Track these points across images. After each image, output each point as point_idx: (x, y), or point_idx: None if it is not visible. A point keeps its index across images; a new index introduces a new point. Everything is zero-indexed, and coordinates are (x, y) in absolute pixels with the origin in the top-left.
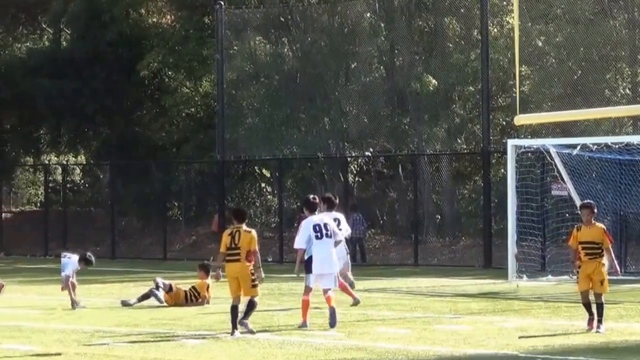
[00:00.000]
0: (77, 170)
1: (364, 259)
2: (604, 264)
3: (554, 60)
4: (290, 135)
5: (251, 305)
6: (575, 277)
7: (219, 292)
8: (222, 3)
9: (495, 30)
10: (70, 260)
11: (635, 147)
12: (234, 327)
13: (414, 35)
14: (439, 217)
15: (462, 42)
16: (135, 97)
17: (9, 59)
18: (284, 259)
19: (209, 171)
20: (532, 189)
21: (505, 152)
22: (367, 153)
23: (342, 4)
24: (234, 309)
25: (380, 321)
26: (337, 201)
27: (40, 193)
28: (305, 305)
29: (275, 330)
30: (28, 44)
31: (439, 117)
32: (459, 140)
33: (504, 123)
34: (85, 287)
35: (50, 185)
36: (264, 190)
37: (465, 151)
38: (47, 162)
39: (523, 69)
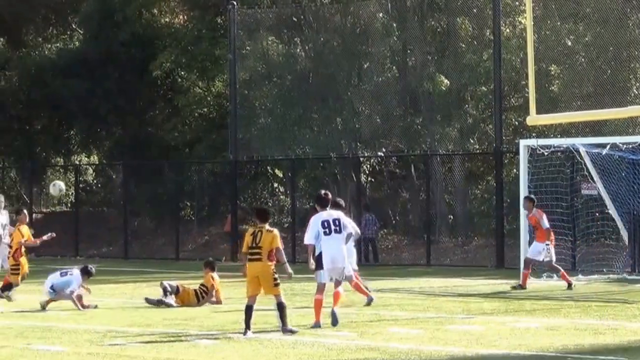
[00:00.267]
0: (90, 171)
1: (376, 259)
2: None
3: (583, 60)
4: (303, 135)
5: (282, 309)
6: None
7: (232, 292)
8: (235, 3)
9: (508, 30)
10: (74, 276)
11: None
12: (247, 327)
13: (426, 36)
14: (452, 217)
15: (475, 42)
16: (148, 97)
17: (39, 60)
18: (297, 259)
19: (221, 171)
20: (562, 188)
21: (517, 152)
22: (379, 153)
23: (355, 4)
24: (249, 309)
25: (392, 321)
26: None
27: (70, 193)
28: (318, 305)
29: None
30: (58, 44)
31: (451, 117)
32: (472, 141)
33: (517, 123)
34: (98, 287)
35: (81, 185)
36: (277, 190)
37: (478, 151)
38: (77, 162)
39: (552, 68)
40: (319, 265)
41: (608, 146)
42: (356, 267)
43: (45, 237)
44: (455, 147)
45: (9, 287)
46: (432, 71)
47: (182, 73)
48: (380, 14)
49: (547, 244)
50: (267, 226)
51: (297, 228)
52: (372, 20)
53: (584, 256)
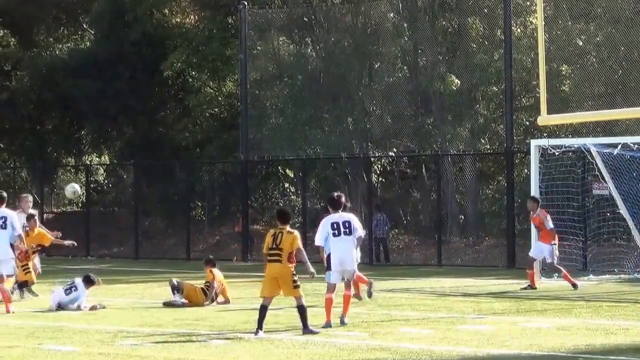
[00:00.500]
0: (101, 171)
1: (387, 259)
2: None
3: (594, 60)
4: (314, 136)
5: (302, 312)
6: None
7: (242, 292)
8: (246, 3)
9: (519, 30)
10: (79, 291)
11: None
12: (259, 327)
13: (437, 36)
14: (463, 217)
15: (486, 42)
16: (158, 97)
17: (50, 60)
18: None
19: (232, 171)
20: (573, 188)
21: (528, 153)
22: (390, 153)
23: (366, 4)
24: (264, 309)
25: (403, 321)
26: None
27: (82, 194)
28: (329, 304)
29: (299, 328)
30: (69, 44)
31: (462, 117)
32: (483, 141)
33: (528, 123)
34: (109, 287)
35: (92, 185)
36: (288, 190)
37: (489, 151)
38: (88, 162)
39: (564, 68)
40: (329, 266)
41: (619, 146)
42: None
43: (66, 243)
44: (466, 147)
45: (24, 284)
46: (443, 71)
47: (193, 73)
48: (391, 14)
49: (553, 244)
50: (288, 227)
51: (307, 228)
52: (383, 20)
53: (595, 256)
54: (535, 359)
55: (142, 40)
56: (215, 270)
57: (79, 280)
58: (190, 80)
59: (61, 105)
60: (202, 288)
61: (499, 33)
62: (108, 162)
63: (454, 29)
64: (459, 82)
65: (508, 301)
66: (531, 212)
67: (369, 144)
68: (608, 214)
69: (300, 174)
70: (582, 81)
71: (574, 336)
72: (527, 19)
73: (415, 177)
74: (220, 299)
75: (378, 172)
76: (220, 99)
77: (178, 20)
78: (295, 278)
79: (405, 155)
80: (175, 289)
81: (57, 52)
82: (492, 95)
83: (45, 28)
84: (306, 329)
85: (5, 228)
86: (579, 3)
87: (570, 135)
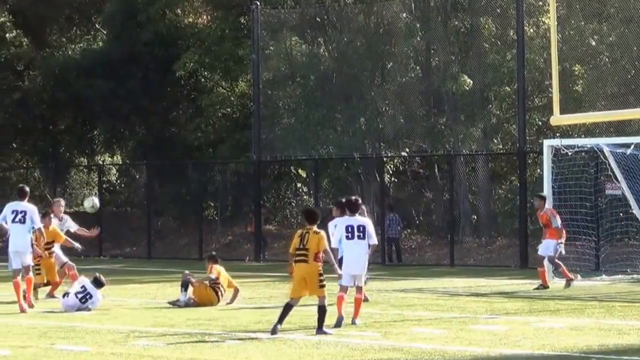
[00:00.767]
0: (114, 171)
1: (399, 259)
2: None
3: (607, 60)
4: (326, 136)
5: (322, 312)
6: None
7: (255, 293)
8: (258, 3)
9: (531, 30)
10: (95, 298)
11: None
12: (279, 322)
13: (449, 36)
14: (475, 217)
15: (498, 42)
16: (171, 97)
17: (62, 60)
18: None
19: (245, 171)
20: (586, 188)
21: (541, 153)
22: (403, 153)
23: (378, 4)
24: (289, 307)
25: (416, 321)
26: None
27: (94, 194)
28: (340, 301)
29: (312, 328)
30: (82, 44)
31: (475, 117)
32: (495, 141)
33: (540, 123)
34: (121, 287)
35: (104, 186)
36: (300, 190)
37: (502, 151)
38: (101, 162)
39: (576, 68)
40: (341, 268)
41: (632, 146)
42: None
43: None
44: (479, 147)
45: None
46: (455, 71)
47: (206, 73)
48: (404, 14)
49: (560, 242)
50: (315, 228)
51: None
52: (395, 20)
53: (608, 256)
54: (547, 359)
55: (154, 40)
56: (217, 266)
57: (90, 285)
58: (203, 80)
59: (74, 105)
60: (211, 287)
61: (511, 33)
62: (120, 162)
63: (466, 29)
64: (471, 82)
65: (521, 301)
66: (538, 210)
67: (382, 144)
68: (621, 214)
69: (313, 174)
70: (594, 81)
71: (586, 336)
72: (540, 19)
73: (427, 177)
74: (228, 293)
75: (390, 172)
76: (232, 99)
77: (190, 20)
78: (322, 278)
79: (418, 155)
80: (184, 286)
81: (70, 52)
82: (504, 95)
83: (58, 28)
84: (320, 330)
85: (24, 222)
86: (591, 3)
87: (583, 135)
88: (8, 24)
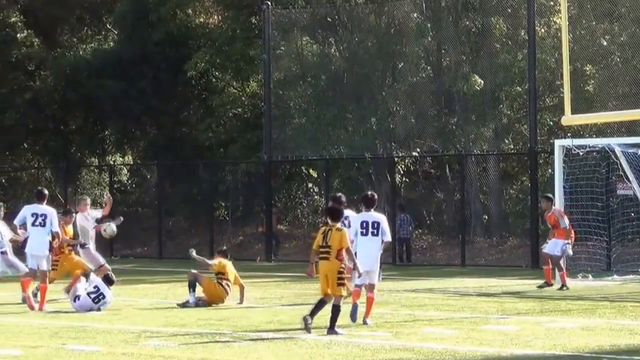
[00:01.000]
0: (124, 171)
1: (409, 259)
2: None
3: (618, 59)
4: (337, 136)
5: (335, 312)
6: None
7: (266, 293)
8: (269, 3)
9: (543, 30)
10: (107, 297)
11: None
12: (311, 315)
13: (460, 36)
14: (486, 217)
15: (509, 42)
16: (182, 97)
17: (73, 60)
18: None
19: (255, 171)
20: (597, 188)
21: (552, 153)
22: (414, 153)
23: (389, 4)
24: (322, 302)
25: (427, 321)
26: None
27: (105, 193)
28: (356, 294)
29: (322, 328)
30: (93, 45)
31: (486, 117)
32: (506, 141)
33: (551, 123)
34: (132, 287)
35: (115, 186)
36: (311, 190)
37: (513, 151)
38: (112, 162)
39: (588, 68)
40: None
41: None
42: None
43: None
44: (490, 147)
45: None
46: (466, 71)
47: (217, 73)
48: (415, 14)
49: (567, 243)
50: (338, 225)
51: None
52: (406, 20)
53: (619, 256)
54: (559, 359)
55: (165, 41)
56: (225, 260)
57: (103, 285)
58: (214, 80)
59: (85, 106)
60: (218, 282)
61: (522, 33)
62: (132, 162)
63: (477, 29)
64: (482, 82)
65: (532, 301)
66: (545, 211)
67: (393, 144)
68: (632, 214)
69: (324, 174)
70: (606, 81)
71: (598, 336)
72: (551, 18)
73: (438, 177)
74: (234, 291)
75: (402, 172)
76: (243, 99)
77: (201, 20)
78: (342, 276)
79: (429, 155)
80: (192, 286)
81: (81, 52)
82: (515, 95)
83: (69, 28)
84: (331, 330)
85: (44, 226)
86: (603, 3)
87: (594, 135)
88: (19, 24)
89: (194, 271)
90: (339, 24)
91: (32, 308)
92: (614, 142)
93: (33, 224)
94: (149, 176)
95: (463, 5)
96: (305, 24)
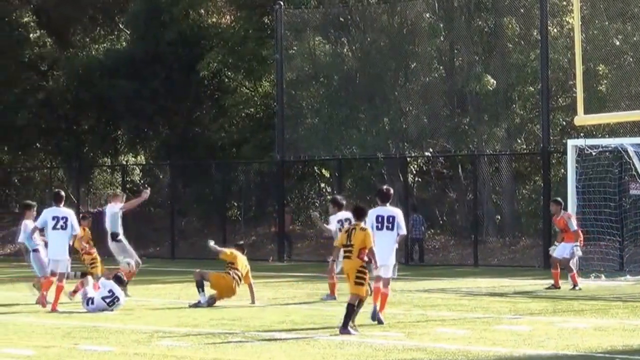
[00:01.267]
0: (137, 171)
1: (421, 259)
2: None
3: (631, 59)
4: (350, 136)
5: (350, 310)
6: None
7: (278, 293)
8: (282, 3)
9: (555, 30)
10: (121, 300)
11: None
12: (350, 320)
13: (473, 36)
14: (499, 217)
15: (522, 42)
16: (194, 97)
17: (86, 60)
18: None
19: (268, 171)
20: (610, 188)
21: (565, 152)
22: (426, 153)
23: (402, 4)
24: (352, 306)
25: (440, 321)
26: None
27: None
28: (376, 291)
29: (335, 328)
30: (105, 45)
31: (498, 117)
32: (519, 141)
33: (564, 123)
34: (144, 287)
35: (128, 186)
36: (324, 190)
37: (525, 151)
38: (124, 162)
39: (600, 68)
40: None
41: None
42: (336, 269)
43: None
44: (503, 147)
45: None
46: (479, 71)
47: (229, 73)
48: (427, 14)
49: (576, 245)
50: (362, 224)
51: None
52: (419, 20)
53: (632, 256)
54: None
55: (178, 41)
56: (239, 254)
57: (117, 288)
58: (226, 80)
59: (97, 106)
60: (227, 272)
61: (535, 33)
62: (144, 162)
63: (490, 28)
64: (495, 82)
65: (544, 301)
66: (554, 215)
67: (405, 144)
68: None
69: (337, 174)
70: (619, 81)
71: (611, 337)
72: (564, 18)
73: (451, 177)
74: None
75: (414, 172)
76: (256, 99)
77: (214, 20)
78: (361, 275)
79: (442, 155)
80: (200, 286)
81: (94, 52)
82: (528, 95)
83: (82, 28)
84: (344, 329)
85: (65, 228)
86: (615, 3)
87: (607, 135)
88: (32, 24)
89: (198, 270)
90: (352, 24)
91: (43, 305)
92: (627, 142)
93: (54, 228)
94: (161, 176)
95: (475, 5)
96: (317, 23)
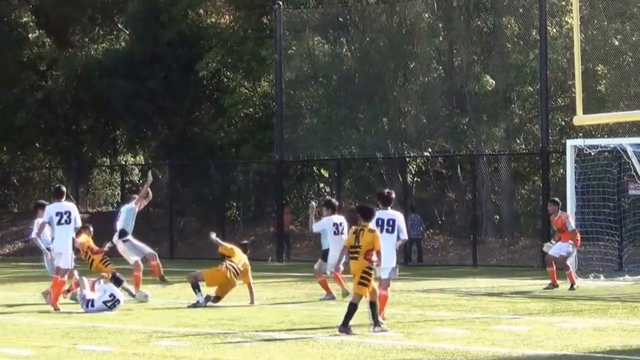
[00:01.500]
0: (136, 171)
1: (420, 259)
2: None
3: (630, 59)
4: (349, 136)
5: (352, 310)
6: None
7: (277, 293)
8: (281, 3)
9: (554, 30)
10: (121, 301)
11: None
12: (376, 323)
13: (472, 36)
14: (498, 217)
15: (521, 42)
16: (193, 97)
17: (85, 60)
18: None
19: (267, 171)
20: (609, 188)
21: (564, 152)
22: (425, 153)
23: (401, 4)
24: (372, 305)
25: (438, 322)
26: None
27: (117, 194)
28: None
29: (334, 328)
30: (104, 44)
31: (497, 117)
32: (518, 141)
33: (563, 123)
34: (143, 287)
35: (127, 185)
36: (323, 190)
37: (524, 151)
38: (123, 162)
39: (599, 68)
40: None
41: None
42: (342, 268)
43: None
44: (502, 147)
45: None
46: (478, 71)
47: (228, 73)
48: (426, 14)
49: (570, 243)
50: (370, 225)
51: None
52: (418, 20)
53: (631, 256)
54: None
55: (176, 41)
56: (241, 252)
57: (117, 291)
58: (225, 80)
59: (96, 105)
60: (221, 264)
61: (534, 33)
62: (143, 162)
63: (489, 28)
64: (494, 82)
65: (543, 301)
66: (552, 215)
67: (404, 144)
68: None
69: (336, 174)
70: (618, 81)
71: (610, 337)
72: (563, 18)
73: (450, 177)
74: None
75: (413, 172)
76: (255, 99)
77: (213, 20)
78: (365, 276)
79: (441, 155)
80: (196, 287)
81: (92, 52)
82: (527, 95)
83: (81, 28)
84: (344, 328)
85: (70, 223)
86: (614, 3)
87: (606, 135)
88: (31, 24)
89: (191, 273)
90: (351, 24)
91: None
92: (626, 142)
93: (59, 223)
94: (160, 176)
95: (474, 5)
96: (316, 23)
